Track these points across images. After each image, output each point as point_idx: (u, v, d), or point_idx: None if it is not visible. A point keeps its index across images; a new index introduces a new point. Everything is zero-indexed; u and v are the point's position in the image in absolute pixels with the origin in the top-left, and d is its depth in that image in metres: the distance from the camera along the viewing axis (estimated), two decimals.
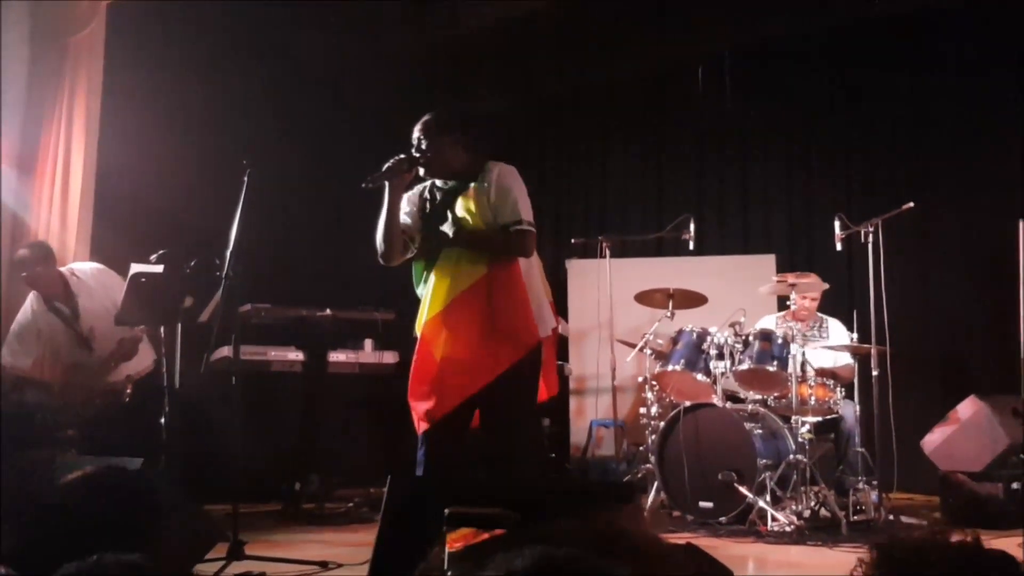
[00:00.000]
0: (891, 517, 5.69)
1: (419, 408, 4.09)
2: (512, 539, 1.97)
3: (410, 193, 4.28)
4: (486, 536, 2.19)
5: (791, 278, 6.37)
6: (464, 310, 4.06)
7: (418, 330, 4.16)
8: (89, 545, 1.80)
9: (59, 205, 6.52)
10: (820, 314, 6.70)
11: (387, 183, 4.05)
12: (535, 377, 4.20)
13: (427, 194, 4.28)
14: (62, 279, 5.78)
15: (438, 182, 4.25)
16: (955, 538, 1.54)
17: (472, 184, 4.14)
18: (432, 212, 4.22)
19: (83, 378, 5.74)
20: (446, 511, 2.23)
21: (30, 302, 5.84)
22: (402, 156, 4.08)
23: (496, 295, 4.08)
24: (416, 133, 4.18)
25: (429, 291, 4.14)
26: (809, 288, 6.43)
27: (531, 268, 4.26)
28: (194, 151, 7.11)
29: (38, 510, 2.11)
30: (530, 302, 4.15)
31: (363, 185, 4.03)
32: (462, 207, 4.13)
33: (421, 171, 4.17)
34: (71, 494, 2.04)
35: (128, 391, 5.78)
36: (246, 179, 4.49)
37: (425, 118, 4.22)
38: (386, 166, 4.04)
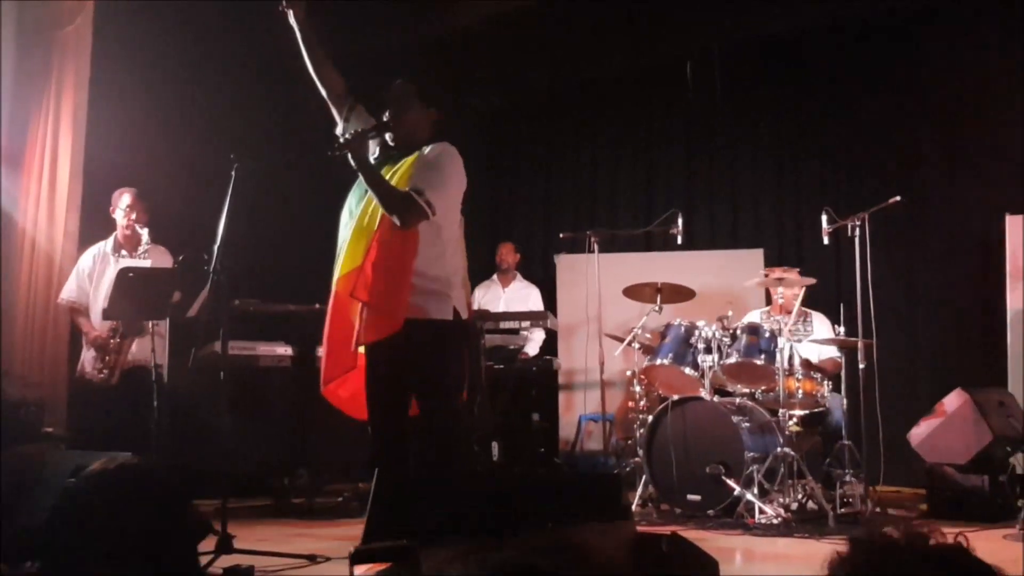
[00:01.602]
0: (878, 510, 5.72)
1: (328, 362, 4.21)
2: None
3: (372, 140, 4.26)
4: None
5: (778, 272, 6.40)
6: (351, 282, 4.01)
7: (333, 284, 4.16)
8: (109, 544, 1.81)
9: (46, 200, 6.50)
10: (803, 308, 6.73)
11: (351, 153, 3.93)
12: (445, 363, 4.03)
13: (380, 152, 4.24)
14: (137, 236, 5.90)
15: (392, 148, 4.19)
16: (936, 540, 1.52)
17: (412, 155, 4.08)
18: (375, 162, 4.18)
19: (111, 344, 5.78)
20: (351, 550, 2.30)
21: (101, 243, 6.07)
22: (363, 129, 4.03)
23: (376, 269, 3.96)
24: (389, 97, 4.18)
25: (344, 243, 4.11)
26: (793, 283, 6.46)
27: (452, 252, 4.12)
28: (181, 146, 7.10)
29: (55, 507, 2.10)
30: (407, 286, 3.95)
31: (328, 153, 3.96)
32: (393, 176, 4.04)
33: (389, 139, 4.17)
34: (90, 489, 2.04)
35: (116, 377, 5.78)
36: (234, 174, 4.49)
37: (397, 83, 4.21)
38: (349, 136, 3.96)
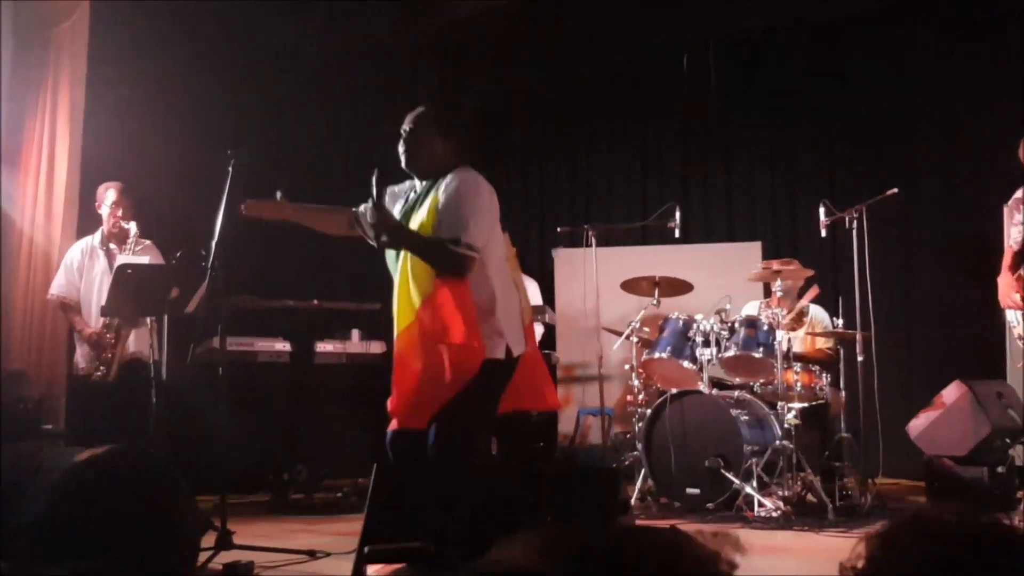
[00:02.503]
0: (876, 502, 5.73)
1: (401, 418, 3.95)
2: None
3: (399, 188, 4.24)
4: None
5: (775, 265, 6.39)
6: (414, 334, 3.85)
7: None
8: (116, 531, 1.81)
9: (44, 197, 6.51)
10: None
11: (390, 244, 3.91)
12: (479, 399, 3.88)
13: (410, 192, 4.21)
14: (124, 231, 5.87)
15: (418, 183, 4.17)
16: (989, 520, 1.47)
17: (433, 193, 3.97)
18: (405, 209, 4.14)
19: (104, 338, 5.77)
20: (365, 549, 2.28)
21: (89, 238, 6.03)
22: (375, 213, 3.88)
23: (441, 313, 3.81)
24: (405, 124, 4.14)
25: (395, 297, 3.98)
26: (792, 275, 6.46)
27: (500, 284, 3.99)
28: (179, 142, 7.09)
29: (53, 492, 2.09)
30: (476, 321, 3.83)
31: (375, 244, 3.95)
32: (421, 216, 3.93)
33: (403, 162, 4.13)
34: (90, 476, 2.03)
35: (114, 373, 5.77)
36: (231, 170, 4.48)
37: (417, 111, 4.16)
38: (372, 227, 3.89)
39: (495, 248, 3.98)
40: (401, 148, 4.08)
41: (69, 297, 5.96)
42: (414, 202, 4.07)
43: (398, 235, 3.89)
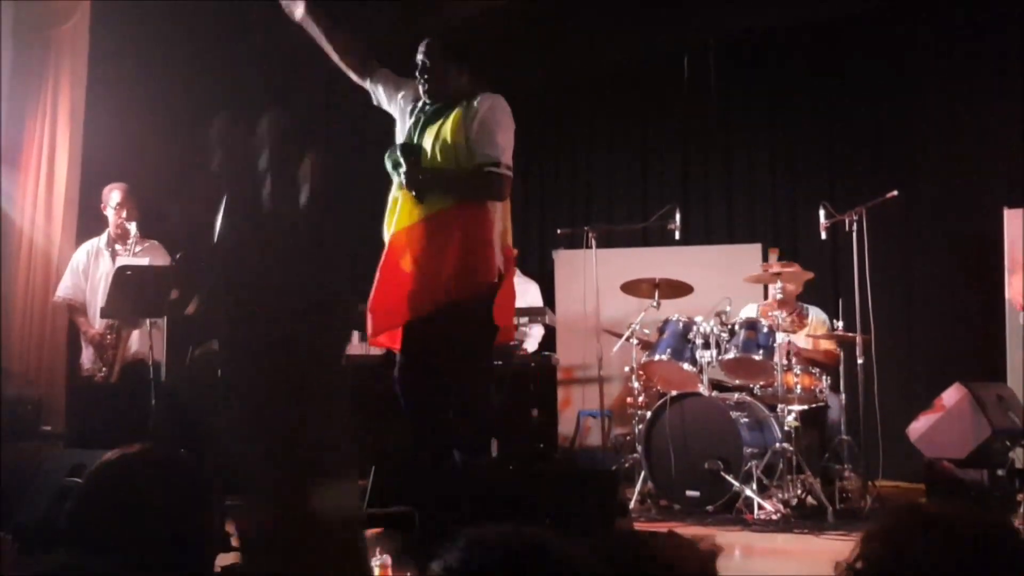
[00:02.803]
0: (876, 505, 5.72)
1: (377, 316, 4.08)
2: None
3: (403, 97, 4.27)
4: None
5: (776, 267, 6.39)
6: (431, 232, 4.01)
7: (386, 236, 4.14)
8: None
9: (44, 198, 6.50)
10: (800, 303, 6.73)
11: (421, 191, 4.01)
12: (485, 314, 4.08)
13: (417, 110, 4.24)
14: (127, 231, 5.87)
15: (428, 103, 4.20)
16: (992, 519, 1.45)
17: (457, 109, 4.07)
18: (414, 127, 4.17)
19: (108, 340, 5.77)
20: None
21: (95, 239, 6.03)
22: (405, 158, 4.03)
23: (467, 227, 4.01)
24: (420, 56, 4.17)
25: (399, 205, 4.09)
26: (792, 277, 6.46)
27: (500, 210, 4.19)
28: (179, 143, 7.08)
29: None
30: (494, 244, 4.07)
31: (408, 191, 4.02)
32: (440, 132, 4.05)
33: (423, 93, 4.16)
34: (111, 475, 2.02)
35: (116, 375, 5.77)
36: None
37: (428, 40, 4.20)
38: (404, 174, 4.01)
39: None
40: (420, 80, 4.11)
41: (75, 299, 5.98)
42: (431, 113, 4.13)
43: (434, 182, 4.00)
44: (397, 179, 4.08)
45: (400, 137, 4.24)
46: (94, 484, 1.99)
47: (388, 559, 2.73)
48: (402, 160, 3.96)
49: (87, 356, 5.93)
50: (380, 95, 4.37)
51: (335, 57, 4.35)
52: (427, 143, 4.07)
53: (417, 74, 4.13)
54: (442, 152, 4.04)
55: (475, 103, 4.06)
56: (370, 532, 2.39)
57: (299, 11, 4.26)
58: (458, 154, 4.02)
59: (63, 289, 6.03)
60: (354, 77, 4.39)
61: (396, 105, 4.30)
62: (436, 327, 3.98)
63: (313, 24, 4.29)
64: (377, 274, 4.12)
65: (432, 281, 4.00)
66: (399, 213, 4.08)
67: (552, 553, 1.20)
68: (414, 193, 3.97)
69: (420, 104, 4.20)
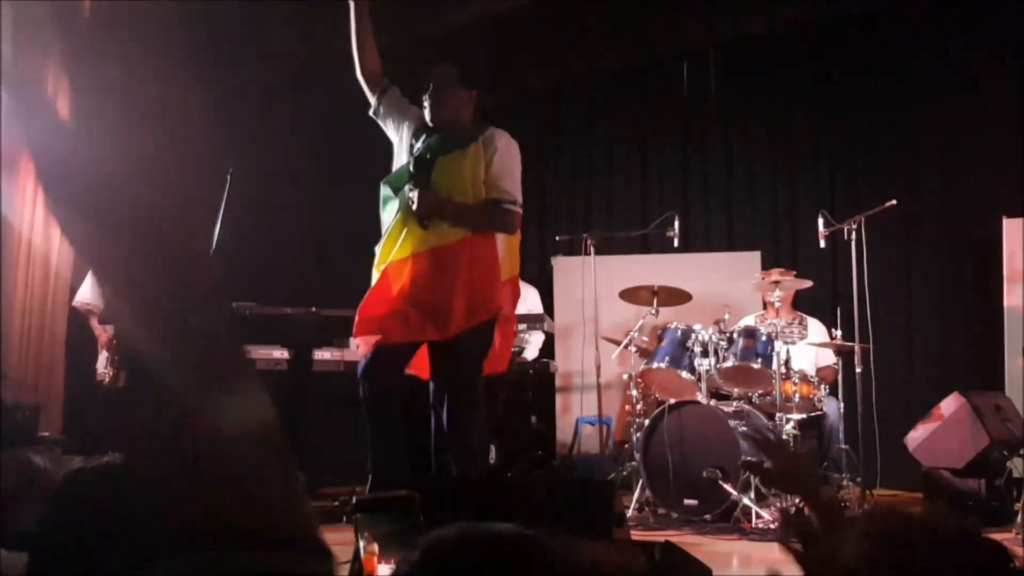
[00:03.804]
0: None
1: (364, 334, 4.15)
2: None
3: (408, 123, 4.29)
4: None
5: (775, 275, 6.39)
6: (438, 263, 4.09)
7: (377, 269, 4.17)
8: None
9: (43, 202, 6.50)
10: (799, 313, 6.72)
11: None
12: (487, 345, 4.23)
13: (423, 136, 4.27)
14: None
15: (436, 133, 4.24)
16: (949, 524, 1.48)
17: (471, 145, 4.15)
18: (424, 154, 4.21)
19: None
20: (353, 499, 2.33)
21: None
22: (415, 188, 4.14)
23: (474, 261, 4.11)
24: (431, 81, 4.20)
25: (399, 235, 4.13)
26: (789, 285, 6.45)
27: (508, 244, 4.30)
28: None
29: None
30: (501, 277, 4.18)
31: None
32: (456, 164, 4.14)
33: (428, 117, 4.20)
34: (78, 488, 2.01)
35: (122, 377, 5.78)
36: (228, 177, 4.49)
37: (442, 66, 4.24)
38: (414, 199, 4.10)
39: None
40: (429, 104, 4.14)
41: (93, 304, 6.00)
42: (441, 143, 4.20)
43: (447, 211, 4.11)
44: (401, 202, 4.11)
45: (398, 162, 4.27)
46: (57, 496, 2.00)
47: (376, 547, 2.72)
48: (415, 186, 4.01)
49: (101, 361, 5.96)
50: (384, 113, 4.39)
51: (357, 61, 4.36)
52: (440, 173, 4.12)
53: (426, 98, 4.16)
54: (458, 183, 4.14)
55: (493, 140, 4.17)
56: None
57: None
58: (475, 188, 4.12)
59: (82, 295, 6.06)
60: (366, 87, 4.40)
61: (400, 129, 4.31)
62: (455, 351, 4.14)
63: (358, 20, 4.32)
64: (366, 298, 4.18)
65: (444, 306, 4.10)
66: (399, 244, 4.10)
67: (513, 550, 1.20)
68: (421, 218, 4.05)
69: (427, 132, 4.23)
